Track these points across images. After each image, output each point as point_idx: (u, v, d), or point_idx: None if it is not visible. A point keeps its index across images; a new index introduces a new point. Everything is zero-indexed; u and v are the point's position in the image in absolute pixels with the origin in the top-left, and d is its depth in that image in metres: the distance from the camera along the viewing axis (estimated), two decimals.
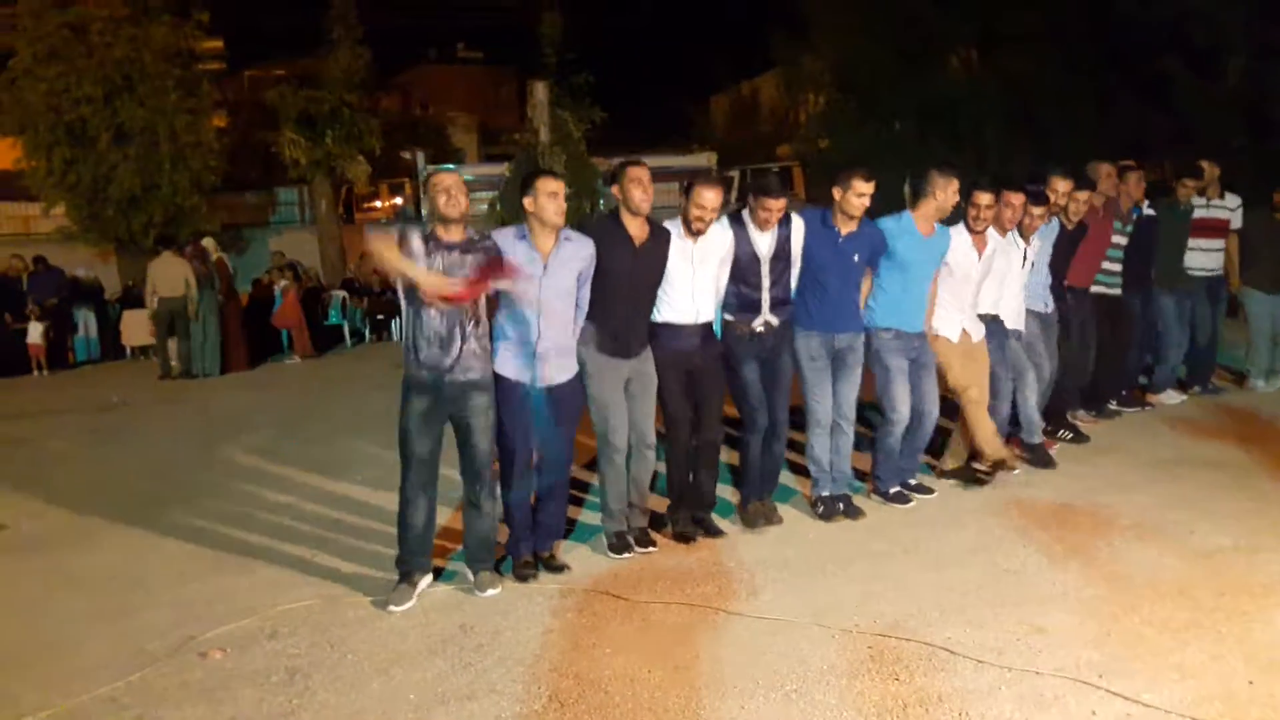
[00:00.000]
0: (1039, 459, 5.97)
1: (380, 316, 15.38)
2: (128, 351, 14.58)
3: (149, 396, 10.75)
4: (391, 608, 4.19)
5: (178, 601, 4.44)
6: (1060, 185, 6.03)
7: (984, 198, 5.36)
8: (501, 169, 14.82)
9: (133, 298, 15.36)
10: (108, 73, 16.05)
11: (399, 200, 27.58)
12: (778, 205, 4.81)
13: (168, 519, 5.70)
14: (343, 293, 15.58)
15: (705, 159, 25.07)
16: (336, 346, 14.63)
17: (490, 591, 4.32)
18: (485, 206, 13.28)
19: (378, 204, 28.38)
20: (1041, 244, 6.01)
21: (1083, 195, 6.18)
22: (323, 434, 7.99)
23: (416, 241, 4.13)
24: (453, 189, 4.14)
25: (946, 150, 15.05)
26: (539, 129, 13.57)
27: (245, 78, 30.18)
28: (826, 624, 3.87)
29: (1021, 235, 5.77)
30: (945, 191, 5.18)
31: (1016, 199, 5.52)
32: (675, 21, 36.93)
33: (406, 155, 23.72)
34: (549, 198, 4.30)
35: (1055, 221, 6.11)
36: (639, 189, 4.51)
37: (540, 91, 13.68)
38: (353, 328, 15.29)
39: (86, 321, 14.36)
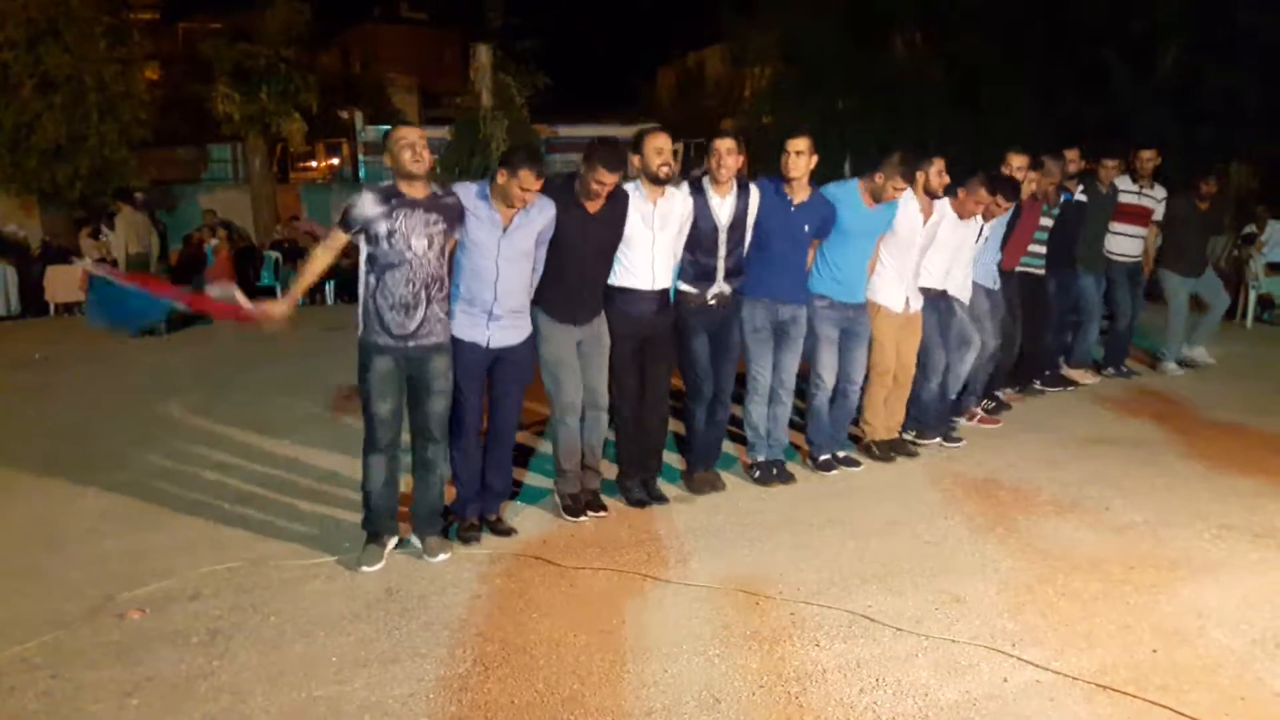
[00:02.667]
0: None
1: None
2: (51, 308, 14.12)
3: (73, 353, 10.43)
4: (364, 568, 4.17)
5: (96, 561, 4.34)
6: (1015, 160, 6.21)
7: (935, 164, 5.44)
8: (442, 132, 14.61)
9: (54, 253, 14.85)
10: (31, 15, 15.34)
11: (335, 161, 27.02)
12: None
13: (90, 477, 5.55)
14: (276, 254, 15.21)
15: None
16: None
17: (441, 556, 4.29)
18: None
19: (313, 164, 27.78)
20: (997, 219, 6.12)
21: (1034, 175, 6.37)
22: (252, 396, 7.83)
23: (369, 207, 4.03)
24: (417, 144, 4.05)
25: (888, 129, 15.14)
26: (481, 93, 13.43)
27: (179, 30, 29.27)
28: (752, 591, 3.94)
29: (983, 215, 5.87)
30: (891, 179, 5.17)
31: (985, 198, 5.65)
32: None
33: (344, 115, 23.20)
34: (523, 192, 4.13)
35: None
36: (599, 187, 4.37)
37: (483, 55, 13.53)
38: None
39: (7, 276, 13.84)
